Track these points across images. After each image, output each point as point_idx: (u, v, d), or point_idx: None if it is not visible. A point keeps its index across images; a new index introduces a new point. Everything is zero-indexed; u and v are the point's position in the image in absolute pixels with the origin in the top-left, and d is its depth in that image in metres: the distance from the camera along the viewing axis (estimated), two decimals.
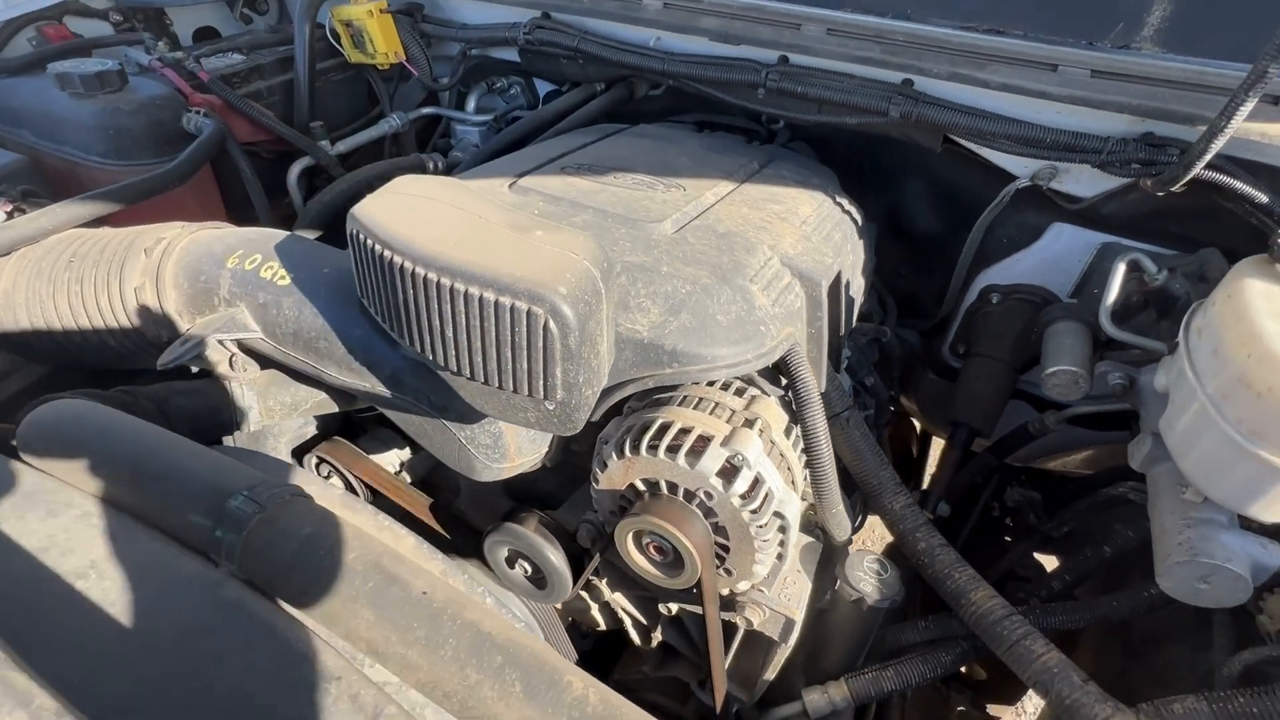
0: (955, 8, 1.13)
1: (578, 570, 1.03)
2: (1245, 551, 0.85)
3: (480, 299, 0.65)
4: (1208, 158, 0.94)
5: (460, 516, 1.24)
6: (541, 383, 0.68)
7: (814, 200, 1.24)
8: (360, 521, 0.78)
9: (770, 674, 1.04)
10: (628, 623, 1.20)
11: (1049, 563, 1.59)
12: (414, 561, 0.63)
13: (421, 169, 1.73)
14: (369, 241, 0.72)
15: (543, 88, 1.85)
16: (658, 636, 1.18)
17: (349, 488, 1.24)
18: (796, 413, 0.95)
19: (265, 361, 1.02)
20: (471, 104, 1.85)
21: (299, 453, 1.23)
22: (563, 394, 0.68)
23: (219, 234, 1.02)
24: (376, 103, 1.95)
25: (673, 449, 0.84)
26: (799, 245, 1.08)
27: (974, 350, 1.52)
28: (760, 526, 0.84)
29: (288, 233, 1.02)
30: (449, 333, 0.69)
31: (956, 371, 1.63)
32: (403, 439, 1.29)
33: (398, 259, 0.69)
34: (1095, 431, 1.36)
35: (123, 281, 0.97)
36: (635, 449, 0.86)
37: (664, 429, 0.87)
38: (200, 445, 0.74)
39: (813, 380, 0.95)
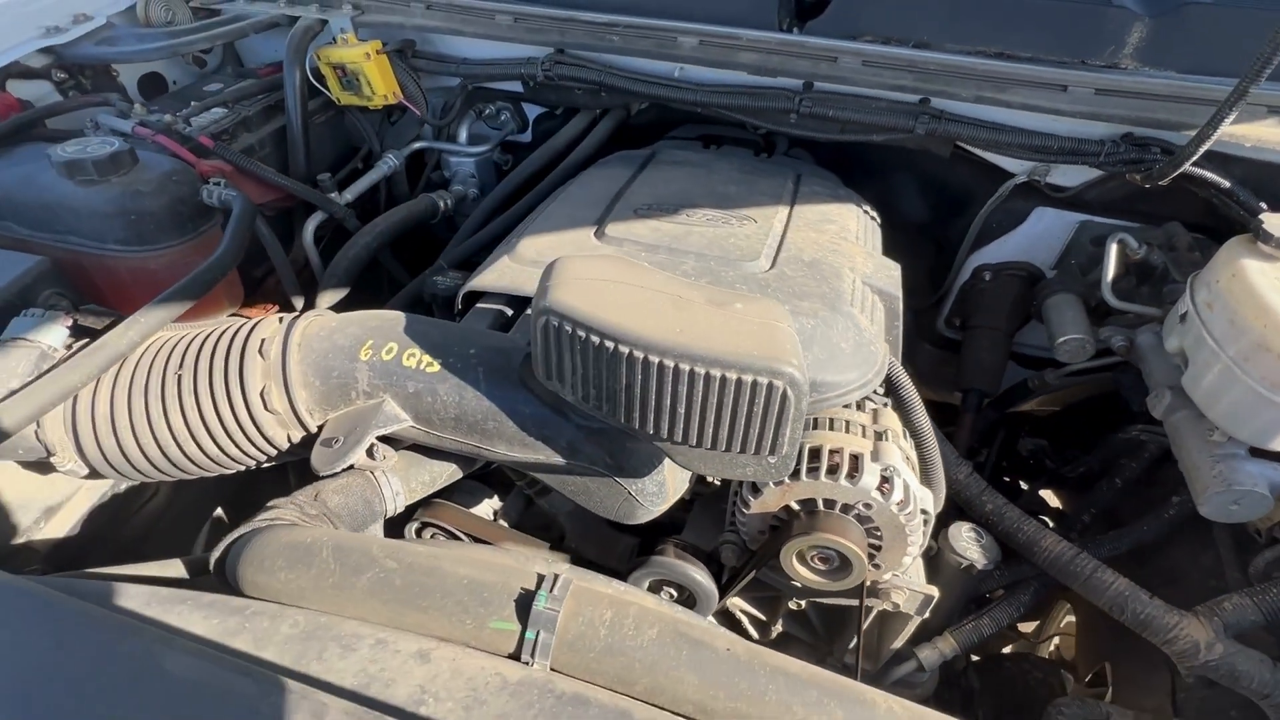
0: (967, 34, 1.27)
1: None
2: (1265, 476, 1.08)
3: (721, 378, 0.72)
4: (1195, 157, 1.14)
5: (575, 554, 1.29)
6: (770, 441, 0.76)
7: (853, 214, 1.37)
8: (608, 589, 0.83)
9: (899, 643, 1.19)
10: (745, 621, 1.31)
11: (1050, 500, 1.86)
12: (691, 620, 0.70)
13: (434, 211, 1.70)
14: (579, 333, 0.76)
15: (530, 110, 1.85)
16: (777, 629, 1.30)
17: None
18: (904, 416, 1.08)
19: (397, 444, 1.02)
20: (464, 134, 1.82)
21: (394, 523, 1.23)
22: (787, 448, 0.77)
23: (331, 325, 1.00)
24: (354, 143, 1.87)
25: (832, 471, 0.95)
26: (869, 264, 1.21)
27: (972, 323, 1.73)
28: (911, 525, 0.97)
29: (400, 314, 1.01)
30: (680, 409, 0.75)
31: (952, 342, 1.85)
32: (490, 488, 1.32)
33: (623, 348, 0.73)
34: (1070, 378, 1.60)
35: (245, 388, 0.94)
36: (795, 475, 0.96)
37: (816, 453, 0.97)
38: (423, 545, 0.77)
39: (913, 387, 1.08)
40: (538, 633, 0.66)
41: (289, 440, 0.98)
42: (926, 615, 1.09)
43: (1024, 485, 1.82)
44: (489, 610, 0.67)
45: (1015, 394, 1.75)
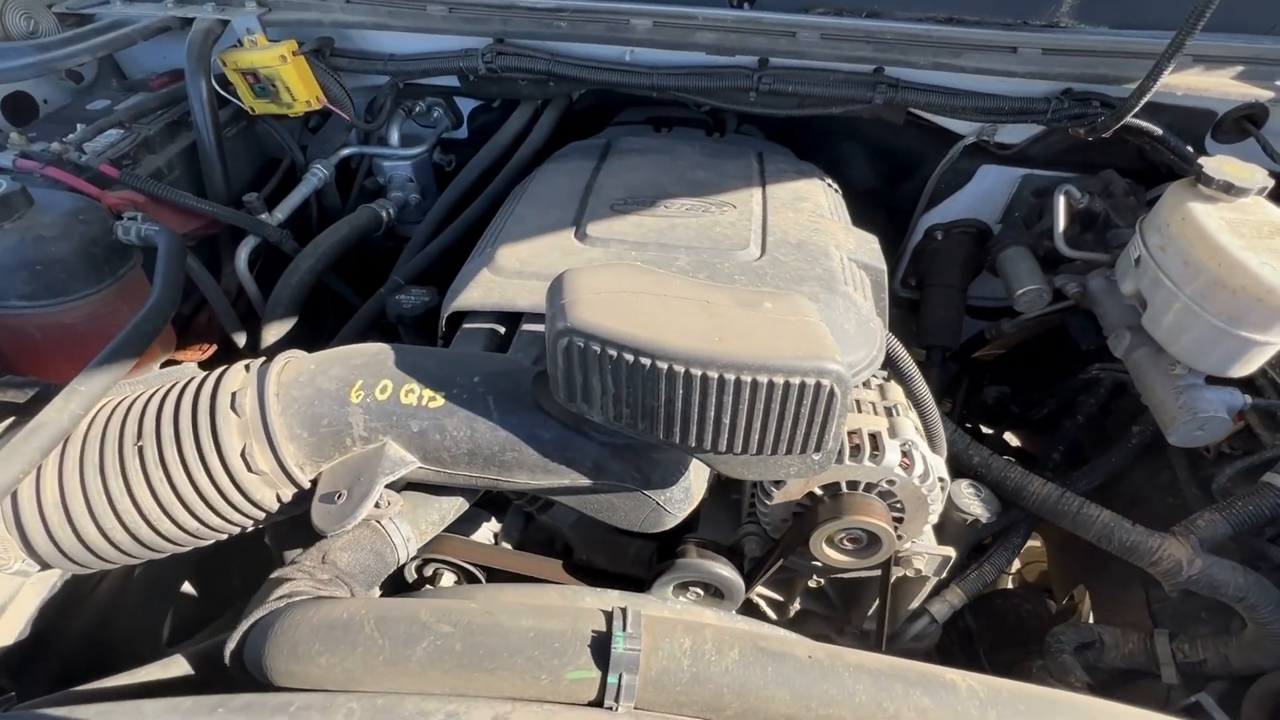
0: (915, 1, 1.28)
1: None
2: (1223, 401, 1.17)
3: (769, 384, 0.69)
4: (1136, 110, 1.20)
5: (587, 565, 1.26)
6: (816, 439, 0.74)
7: (820, 189, 1.37)
8: (675, 615, 0.80)
9: (916, 604, 1.23)
10: (763, 605, 1.32)
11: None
12: (764, 632, 0.69)
13: (378, 222, 1.58)
14: (610, 352, 0.71)
15: (464, 104, 1.74)
16: (795, 608, 1.32)
17: (467, 578, 1.20)
18: (906, 387, 1.10)
19: (398, 486, 0.95)
20: (395, 136, 1.70)
21: None
22: (831, 443, 0.76)
23: (309, 367, 0.90)
24: (270, 154, 1.70)
25: (855, 452, 0.95)
26: (850, 240, 1.21)
27: (929, 281, 1.78)
28: (933, 495, 0.99)
29: (384, 346, 0.93)
30: (724, 419, 0.72)
31: (907, 301, 1.91)
32: (486, 510, 1.26)
33: (661, 364, 0.70)
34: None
35: (223, 451, 0.83)
36: None
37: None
38: (469, 599, 0.72)
39: (910, 358, 1.10)
40: (620, 675, 0.62)
41: (278, 500, 0.89)
42: (943, 575, 1.13)
43: (987, 430, 1.92)
44: (563, 661, 0.63)
45: (973, 345, 1.83)
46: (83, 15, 1.55)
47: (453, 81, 1.54)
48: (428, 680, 0.63)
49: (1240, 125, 1.39)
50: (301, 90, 1.42)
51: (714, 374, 0.69)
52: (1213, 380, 1.20)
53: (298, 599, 0.73)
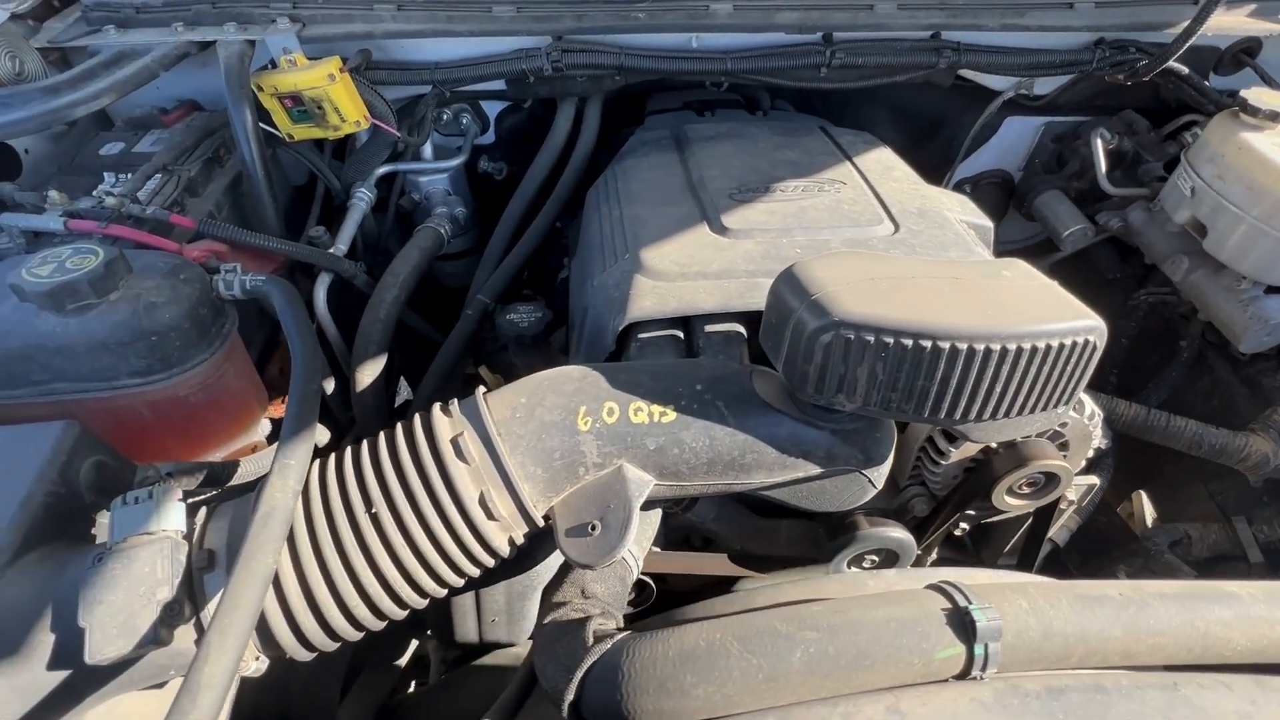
0: None
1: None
2: None
3: (1045, 347, 0.72)
4: (1181, 51, 1.31)
5: (745, 551, 1.27)
6: (1071, 393, 0.79)
7: (893, 156, 1.41)
8: (979, 579, 0.82)
9: (1051, 533, 1.32)
10: None
11: None
12: (1070, 584, 0.74)
13: (440, 242, 1.49)
14: (885, 339, 0.72)
15: (489, 108, 1.66)
16: (931, 559, 1.39)
17: (638, 588, 1.19)
18: None
19: None
20: (428, 149, 1.60)
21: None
22: (1078, 393, 0.80)
23: (520, 401, 0.86)
24: (291, 182, 1.57)
25: None
26: (952, 201, 1.26)
27: None
28: (1095, 431, 1.06)
29: (585, 369, 0.89)
30: (996, 388, 0.74)
31: None
32: None
33: (942, 344, 0.71)
34: None
35: (463, 503, 0.79)
36: None
37: None
38: (798, 602, 0.72)
39: None
40: (985, 645, 0.65)
41: (510, 544, 0.85)
42: (1086, 502, 1.22)
43: None
44: (931, 643, 0.65)
45: None
46: (64, 49, 1.37)
47: (498, 85, 1.47)
48: (808, 688, 0.63)
49: (1238, 58, 1.54)
50: (351, 110, 1.32)
51: (996, 346, 0.72)
52: (1270, 291, 1.34)
53: (618, 638, 0.70)
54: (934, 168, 1.89)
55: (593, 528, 0.82)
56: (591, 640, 0.71)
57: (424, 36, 1.29)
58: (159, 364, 0.96)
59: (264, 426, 1.24)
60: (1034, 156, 1.80)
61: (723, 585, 1.32)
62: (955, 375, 0.74)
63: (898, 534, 1.12)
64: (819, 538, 1.22)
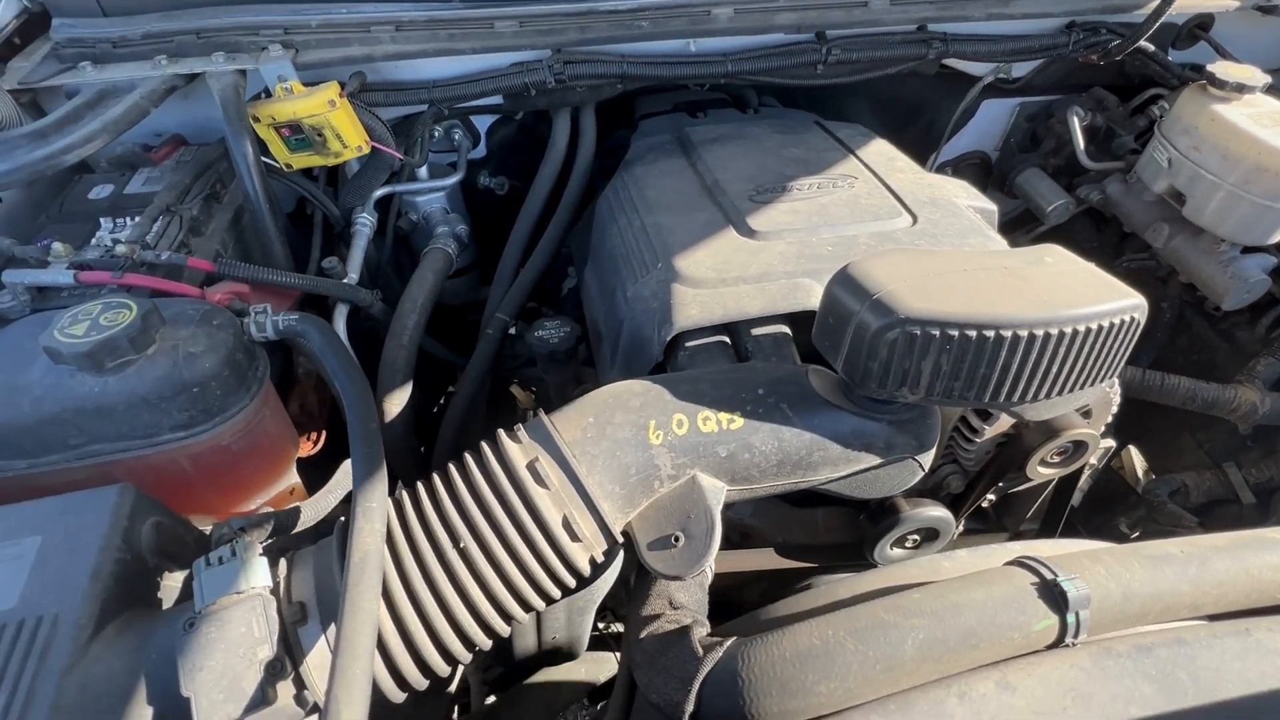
0: None
1: None
2: (1259, 265, 1.41)
3: (1098, 328, 0.76)
4: (1151, 31, 1.39)
5: (786, 543, 1.30)
6: (1115, 367, 0.83)
7: (891, 146, 1.45)
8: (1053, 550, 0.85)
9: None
10: None
11: None
12: (1135, 546, 0.78)
13: (450, 262, 1.47)
14: (950, 333, 0.75)
15: (479, 122, 1.65)
16: (958, 530, 1.44)
17: None
18: None
19: None
20: (424, 168, 1.58)
21: None
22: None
23: (587, 420, 0.86)
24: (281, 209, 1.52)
25: None
26: (956, 188, 1.31)
27: None
28: (1115, 398, 1.13)
29: (645, 383, 0.90)
30: (1052, 369, 0.79)
31: None
32: None
33: (1005, 333, 0.75)
34: None
35: (549, 529, 0.79)
36: None
37: None
38: (896, 591, 0.75)
39: None
40: (1077, 614, 0.69)
41: (591, 564, 0.85)
42: (1103, 465, 1.29)
43: None
44: (1029, 617, 0.68)
45: None
46: (33, 91, 1.29)
47: (496, 99, 1.46)
48: (922, 673, 0.66)
49: (1193, 33, 1.63)
50: (352, 135, 1.29)
51: (1054, 331, 0.76)
52: (1246, 250, 1.44)
53: (728, 645, 0.72)
54: (915, 153, 1.94)
55: (676, 539, 0.83)
56: (700, 650, 0.73)
57: (426, 57, 1.26)
58: (201, 415, 0.93)
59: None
60: (1009, 136, 1.88)
61: (760, 581, 1.35)
62: (1015, 361, 0.78)
63: (938, 512, 1.17)
64: (859, 523, 1.26)
